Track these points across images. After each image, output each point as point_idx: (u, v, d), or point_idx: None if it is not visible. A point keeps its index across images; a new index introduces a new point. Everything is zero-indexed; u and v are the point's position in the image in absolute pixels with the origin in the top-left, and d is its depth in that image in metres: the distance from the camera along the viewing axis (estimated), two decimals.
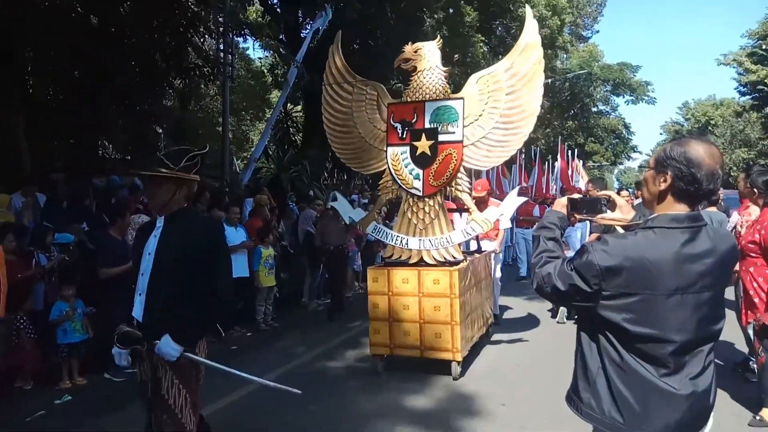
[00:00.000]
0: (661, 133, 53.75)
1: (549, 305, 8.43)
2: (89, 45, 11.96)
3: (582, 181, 20.66)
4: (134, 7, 13.59)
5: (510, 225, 7.73)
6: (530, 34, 5.59)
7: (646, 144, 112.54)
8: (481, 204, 7.19)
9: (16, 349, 5.43)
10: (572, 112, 40.63)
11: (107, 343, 3.58)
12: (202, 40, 15.08)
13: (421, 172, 5.79)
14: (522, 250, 12.26)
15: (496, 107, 5.63)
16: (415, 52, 5.85)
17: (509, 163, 17.57)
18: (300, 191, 12.84)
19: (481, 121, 5.67)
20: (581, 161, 19.16)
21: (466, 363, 5.72)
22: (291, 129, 19.53)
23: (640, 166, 51.80)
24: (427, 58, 5.82)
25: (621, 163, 50.22)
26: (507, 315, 8.48)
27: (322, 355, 6.66)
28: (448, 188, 5.75)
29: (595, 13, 41.06)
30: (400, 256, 5.80)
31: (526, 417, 4.59)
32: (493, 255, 7.35)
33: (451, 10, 18.66)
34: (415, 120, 5.84)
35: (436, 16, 18.32)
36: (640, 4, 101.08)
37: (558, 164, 14.11)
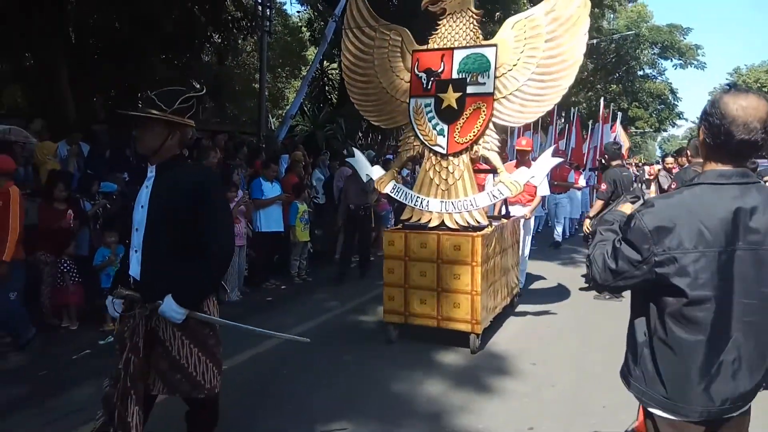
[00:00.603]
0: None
1: (580, 274, 7.87)
2: None
3: (623, 147, 19.59)
4: None
5: (548, 192, 7.08)
6: None
7: (693, 111, 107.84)
8: (524, 161, 6.60)
9: (62, 291, 5.73)
10: (617, 75, 38.68)
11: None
12: None
13: (446, 127, 5.20)
14: (555, 215, 11.60)
15: (534, 56, 4.96)
16: None
17: (545, 125, 16.67)
18: (335, 149, 12.56)
19: (515, 71, 5.02)
20: (621, 126, 18.01)
21: (487, 334, 5.28)
22: (327, 87, 19.04)
23: (688, 136, 49.44)
24: None
25: (665, 130, 47.95)
26: (535, 285, 7.92)
27: (353, 310, 6.68)
28: (475, 146, 5.15)
29: None
30: (419, 219, 5.28)
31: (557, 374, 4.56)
32: (522, 222, 6.76)
33: None
34: (441, 69, 5.21)
35: None
36: None
37: (599, 127, 13.08)
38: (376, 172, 5.47)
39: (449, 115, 5.18)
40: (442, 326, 5.02)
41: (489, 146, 5.12)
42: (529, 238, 7.05)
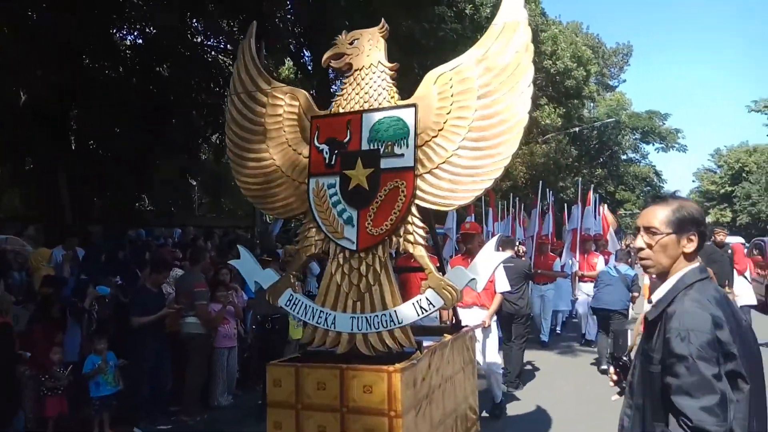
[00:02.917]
0: (693, 180, 50.15)
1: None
2: (135, 105, 11.91)
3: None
4: (173, 69, 13.69)
5: (507, 287, 5.42)
6: (511, 10, 3.51)
7: (679, 191, 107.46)
8: (471, 250, 5.01)
9: (41, 403, 5.30)
10: (601, 159, 38.08)
11: (137, 396, 5.29)
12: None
13: (355, 214, 3.66)
14: (538, 312, 9.72)
15: (464, 116, 3.51)
16: (351, 43, 3.82)
17: (528, 206, 15.20)
18: None
19: (441, 137, 3.55)
20: (605, 206, 16.50)
21: None
22: None
23: None
24: (367, 52, 3.78)
25: None
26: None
27: None
28: (395, 239, 3.59)
29: (621, 63, 38.86)
30: (323, 343, 3.62)
31: None
32: (483, 331, 5.08)
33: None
34: (348, 139, 3.75)
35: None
36: (666, 51, 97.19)
37: (577, 210, 11.43)
38: (268, 277, 3.86)
39: (359, 199, 3.66)
40: None
41: (413, 238, 3.55)
42: (493, 343, 5.26)
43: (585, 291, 9.62)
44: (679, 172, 74.62)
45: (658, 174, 41.53)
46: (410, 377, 3.26)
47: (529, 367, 7.74)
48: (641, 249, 1.95)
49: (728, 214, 42.67)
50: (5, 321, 5.20)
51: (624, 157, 39.82)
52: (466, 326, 4.69)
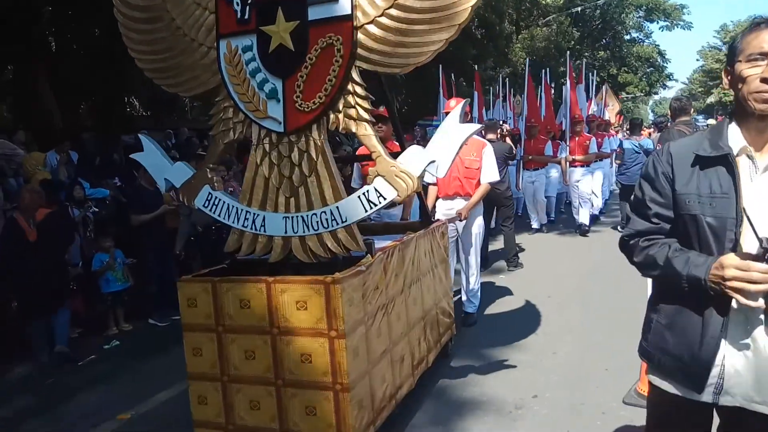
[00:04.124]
0: (697, 59, 47.48)
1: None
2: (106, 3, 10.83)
3: (608, 112, 16.55)
4: None
5: (496, 177, 4.48)
6: None
7: (683, 71, 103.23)
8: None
9: None
10: (604, 41, 35.70)
11: (148, 291, 5.50)
12: None
13: (279, 84, 2.72)
14: (531, 199, 8.83)
15: None
16: None
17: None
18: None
19: None
20: (605, 87, 14.96)
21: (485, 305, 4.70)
22: None
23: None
24: None
25: (656, 93, 44.54)
26: (535, 257, 6.86)
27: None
28: (333, 115, 2.67)
29: None
30: (253, 251, 2.83)
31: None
32: (460, 225, 4.29)
33: None
34: None
35: None
36: None
37: (567, 90, 10.02)
38: (180, 173, 2.99)
39: (283, 64, 2.69)
40: None
41: (356, 112, 2.63)
42: (473, 249, 4.49)
43: (575, 178, 8.58)
44: (684, 51, 70.55)
45: (661, 54, 39.00)
46: (355, 288, 2.49)
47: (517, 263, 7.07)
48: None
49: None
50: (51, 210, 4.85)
51: (627, 37, 37.28)
52: (437, 220, 3.88)
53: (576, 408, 3.16)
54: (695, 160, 1.52)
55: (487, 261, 6.71)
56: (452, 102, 4.42)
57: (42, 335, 4.60)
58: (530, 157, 8.52)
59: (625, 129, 17.97)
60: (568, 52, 11.13)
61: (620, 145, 9.16)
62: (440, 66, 11.03)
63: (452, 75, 11.65)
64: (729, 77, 1.54)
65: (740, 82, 1.48)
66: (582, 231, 8.45)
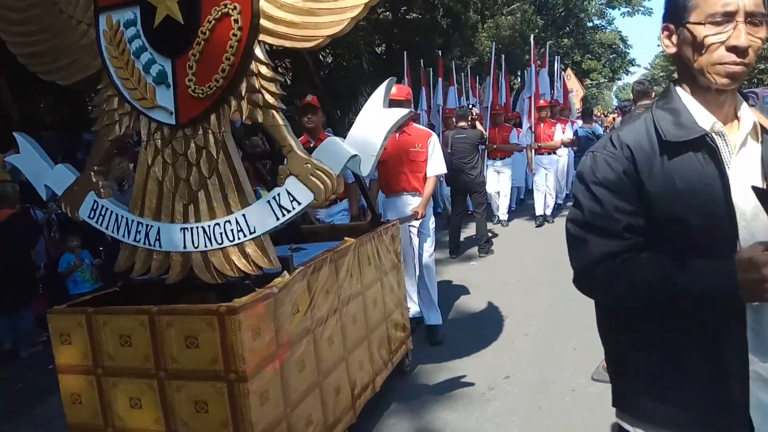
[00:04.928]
0: (658, 45, 47.94)
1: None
2: None
3: (573, 98, 16.31)
4: None
5: (443, 170, 4.02)
6: None
7: (645, 57, 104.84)
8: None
9: None
10: (567, 29, 35.70)
11: None
12: None
13: (168, 65, 2.19)
14: (495, 189, 8.39)
15: None
16: None
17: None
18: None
19: None
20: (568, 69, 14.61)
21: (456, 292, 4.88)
22: (279, 67, 16.38)
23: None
24: None
25: (620, 79, 44.89)
26: (506, 244, 6.85)
27: None
28: (235, 101, 2.15)
29: None
30: (148, 270, 2.30)
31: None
32: (416, 224, 3.82)
33: None
34: None
35: None
36: None
37: (531, 73, 9.55)
38: (61, 178, 2.44)
39: (172, 40, 2.17)
40: None
41: (261, 98, 2.11)
42: (427, 244, 4.01)
43: (544, 164, 8.36)
44: (645, 37, 71.58)
45: (623, 40, 39.29)
46: (262, 316, 1.99)
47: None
48: (745, 49, 1.09)
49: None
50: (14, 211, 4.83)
51: (590, 24, 37.39)
52: (387, 221, 3.39)
53: (546, 386, 3.28)
54: (661, 148, 1.12)
55: (458, 248, 6.74)
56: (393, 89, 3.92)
57: (3, 334, 4.52)
58: (494, 146, 8.09)
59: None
60: (533, 36, 10.68)
61: (576, 132, 8.94)
62: (405, 53, 10.68)
63: (421, 64, 11.22)
64: (672, 38, 1.16)
65: (697, 49, 1.11)
66: (540, 222, 8.34)
